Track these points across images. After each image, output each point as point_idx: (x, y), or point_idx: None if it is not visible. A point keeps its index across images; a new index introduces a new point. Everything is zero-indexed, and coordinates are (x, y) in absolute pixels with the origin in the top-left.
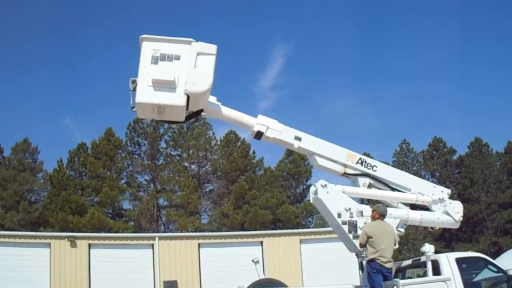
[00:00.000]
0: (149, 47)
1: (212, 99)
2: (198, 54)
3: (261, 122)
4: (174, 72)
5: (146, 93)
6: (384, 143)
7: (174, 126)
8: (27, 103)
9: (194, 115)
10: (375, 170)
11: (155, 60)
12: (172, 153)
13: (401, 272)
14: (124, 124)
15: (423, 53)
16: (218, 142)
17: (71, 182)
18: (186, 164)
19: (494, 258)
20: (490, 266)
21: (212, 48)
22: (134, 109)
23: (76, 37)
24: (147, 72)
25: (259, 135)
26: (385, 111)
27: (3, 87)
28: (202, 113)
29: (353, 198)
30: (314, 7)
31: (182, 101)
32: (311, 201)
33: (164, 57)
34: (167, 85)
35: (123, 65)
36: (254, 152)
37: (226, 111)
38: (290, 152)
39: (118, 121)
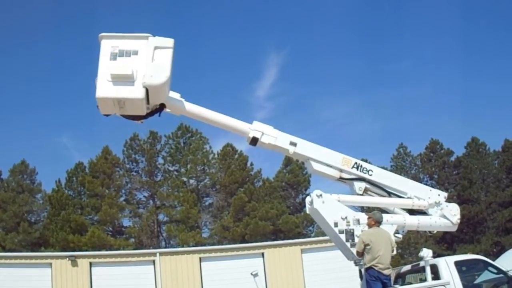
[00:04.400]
0: (107, 45)
1: (175, 95)
2: (156, 48)
3: (256, 128)
4: (133, 66)
5: (105, 88)
6: (381, 148)
7: (171, 143)
8: (23, 124)
9: (157, 111)
10: (370, 175)
11: (113, 57)
12: (170, 168)
13: (401, 278)
14: (121, 142)
15: (417, 56)
16: (216, 156)
17: (70, 201)
18: (185, 179)
19: (496, 258)
20: (490, 268)
21: (169, 41)
22: (98, 108)
23: (73, 54)
24: (106, 69)
25: (254, 141)
26: (381, 115)
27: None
28: (166, 110)
29: (350, 206)
30: (307, 14)
31: (141, 94)
32: (307, 212)
33: (122, 53)
34: (126, 79)
35: None
36: (252, 164)
37: (196, 109)
38: (288, 162)
39: (115, 139)
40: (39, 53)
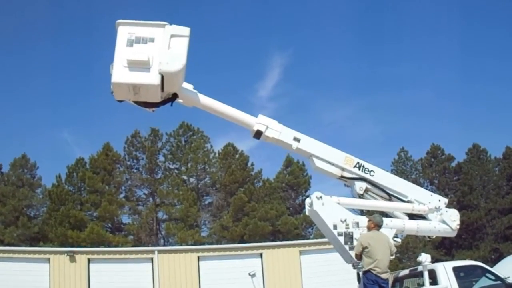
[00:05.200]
0: (124, 31)
1: (188, 86)
2: (172, 36)
3: (261, 122)
4: (149, 53)
5: (122, 74)
6: (382, 152)
7: (172, 141)
8: (25, 118)
9: (169, 100)
10: (372, 175)
11: (130, 43)
12: (170, 166)
13: (399, 282)
14: (122, 139)
15: (420, 61)
16: (217, 155)
17: (70, 197)
18: (185, 177)
19: (494, 265)
20: (487, 274)
21: (185, 30)
22: (113, 94)
23: (74, 52)
24: (122, 54)
25: (258, 134)
26: (383, 119)
27: (0, 103)
28: (178, 100)
29: (349, 209)
30: (311, 16)
31: (156, 80)
32: (307, 213)
33: (139, 40)
34: (142, 66)
35: None
36: (252, 164)
37: (208, 101)
38: (288, 163)
39: (116, 136)
40: (41, 48)
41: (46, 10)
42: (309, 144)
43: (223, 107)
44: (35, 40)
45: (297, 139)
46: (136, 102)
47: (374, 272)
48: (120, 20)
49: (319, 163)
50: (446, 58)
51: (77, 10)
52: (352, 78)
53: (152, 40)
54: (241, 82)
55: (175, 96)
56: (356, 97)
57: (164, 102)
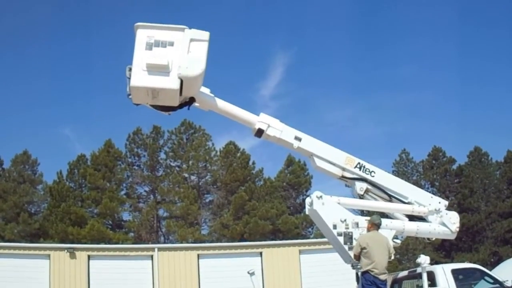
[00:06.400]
0: (143, 34)
1: (205, 90)
2: (191, 40)
3: (263, 120)
4: (168, 57)
5: (141, 77)
6: (384, 153)
7: (174, 138)
8: (26, 115)
9: (187, 104)
10: (373, 176)
11: (149, 46)
12: (171, 164)
13: (397, 283)
14: (124, 136)
15: (423, 63)
16: (218, 153)
17: (71, 193)
18: (186, 175)
19: (493, 268)
20: (486, 278)
21: (205, 34)
22: (130, 96)
23: (76, 48)
24: (141, 58)
25: (259, 132)
26: (385, 120)
27: (2, 99)
28: (195, 104)
29: (350, 210)
30: (314, 16)
31: (176, 85)
32: (307, 212)
33: (158, 43)
34: (161, 69)
35: (124, 77)
36: (253, 163)
37: (221, 103)
38: (290, 163)
39: (118, 133)
40: (43, 45)
41: (47, 7)
42: (310, 144)
43: (234, 109)
44: (36, 37)
45: (298, 138)
46: (153, 106)
47: (372, 273)
48: (139, 23)
49: (320, 163)
50: (449, 60)
51: (78, 8)
52: (355, 79)
53: (171, 43)
54: (244, 80)
55: (192, 100)
56: (358, 98)
57: (181, 106)
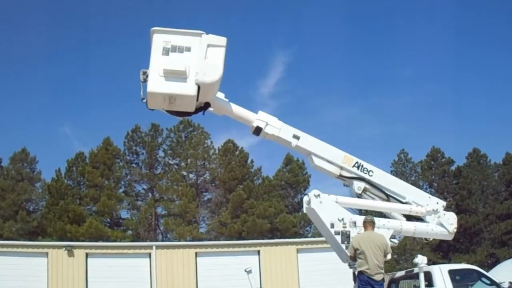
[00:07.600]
0: (160, 39)
1: (220, 95)
2: (208, 46)
3: (261, 118)
4: (185, 63)
5: (158, 83)
6: (382, 153)
7: (173, 136)
8: (25, 112)
9: (202, 109)
10: (371, 175)
11: (166, 52)
12: (170, 162)
13: (394, 283)
14: (122, 133)
15: (422, 63)
16: (216, 151)
17: (69, 191)
18: (184, 173)
19: (490, 270)
20: (483, 279)
21: (222, 40)
22: (144, 101)
23: (75, 46)
24: (158, 63)
25: (257, 130)
26: (384, 120)
27: (1, 98)
28: (210, 109)
29: (347, 209)
30: (315, 14)
31: (193, 91)
32: (304, 211)
33: (175, 49)
34: (178, 75)
35: (123, 74)
36: (252, 161)
37: (236, 109)
38: (288, 161)
39: (116, 130)
40: (41, 41)
41: (46, 2)
42: (308, 142)
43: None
44: (34, 33)
45: (296, 137)
46: (168, 111)
47: (366, 274)
48: (155, 28)
49: (318, 161)
50: (449, 61)
51: (76, 3)
52: (354, 79)
53: (188, 49)
54: (243, 78)
55: (207, 105)
56: (358, 98)
57: (196, 111)
